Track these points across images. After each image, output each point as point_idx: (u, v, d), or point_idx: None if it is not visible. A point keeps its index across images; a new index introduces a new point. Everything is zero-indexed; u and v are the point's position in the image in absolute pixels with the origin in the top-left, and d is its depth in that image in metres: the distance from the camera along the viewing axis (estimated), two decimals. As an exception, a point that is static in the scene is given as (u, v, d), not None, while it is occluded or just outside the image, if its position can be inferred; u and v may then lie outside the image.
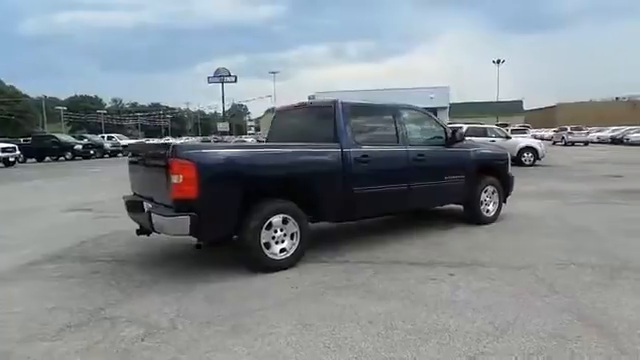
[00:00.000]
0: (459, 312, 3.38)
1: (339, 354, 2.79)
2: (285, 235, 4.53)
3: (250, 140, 74.56)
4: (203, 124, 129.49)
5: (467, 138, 6.40)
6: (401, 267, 4.59)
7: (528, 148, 16.67)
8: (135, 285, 4.22)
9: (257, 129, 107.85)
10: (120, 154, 33.64)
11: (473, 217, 6.39)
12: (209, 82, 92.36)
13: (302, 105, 5.77)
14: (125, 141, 37.25)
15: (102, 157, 31.55)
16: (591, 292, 3.73)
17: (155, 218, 4.14)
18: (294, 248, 4.57)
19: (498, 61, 64.69)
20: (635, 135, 30.73)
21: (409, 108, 5.99)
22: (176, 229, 4.04)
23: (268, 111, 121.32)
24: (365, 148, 5.10)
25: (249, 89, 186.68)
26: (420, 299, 3.66)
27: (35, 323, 3.40)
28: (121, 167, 22.03)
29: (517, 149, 16.43)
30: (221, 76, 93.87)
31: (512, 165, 7.18)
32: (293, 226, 4.56)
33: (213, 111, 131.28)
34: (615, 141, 34.67)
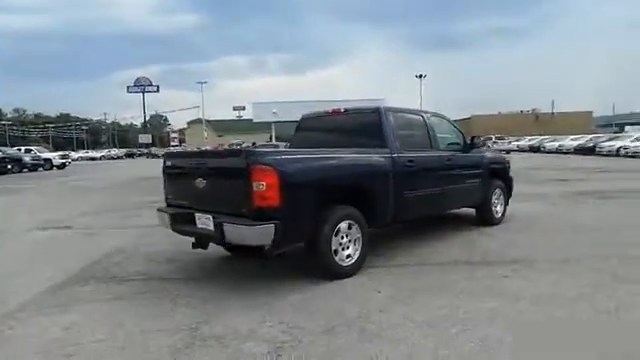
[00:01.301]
0: (560, 304, 3.58)
1: (498, 350, 2.83)
2: (350, 241, 4.48)
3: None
4: (120, 136, 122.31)
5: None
6: (461, 267, 4.74)
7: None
8: (202, 302, 3.94)
9: (181, 141, 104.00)
10: (41, 168, 30.71)
11: (485, 219, 6.74)
12: (128, 91, 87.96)
13: (337, 111, 5.74)
14: (48, 154, 34.06)
15: (21, 172, 28.53)
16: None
17: (231, 228, 3.89)
18: (357, 254, 4.54)
19: (420, 76, 68.94)
20: (550, 144, 34.23)
21: (435, 114, 6.21)
22: (259, 239, 3.84)
23: (193, 122, 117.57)
24: (409, 153, 5.22)
25: (166, 99, 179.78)
26: (512, 295, 3.81)
27: (138, 349, 3.05)
28: (54, 182, 20.37)
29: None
30: (142, 85, 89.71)
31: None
32: (356, 232, 4.53)
33: (129, 122, 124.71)
34: (533, 149, 38.29)
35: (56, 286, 4.53)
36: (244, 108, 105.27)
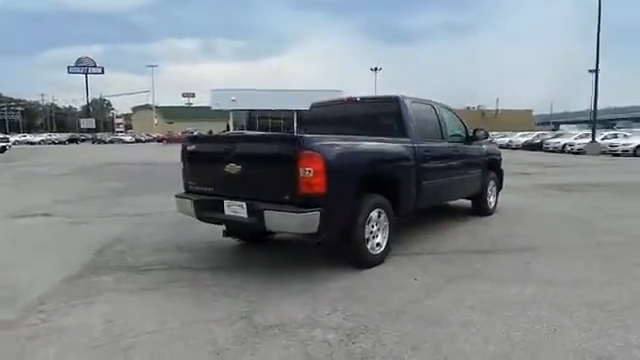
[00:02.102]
0: (596, 287, 3.83)
1: (567, 331, 2.98)
2: (378, 230, 4.53)
3: (129, 139, 68.95)
4: (58, 119, 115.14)
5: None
6: (478, 255, 4.93)
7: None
8: (240, 290, 3.84)
9: (128, 127, 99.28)
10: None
11: (481, 209, 7.02)
12: (70, 72, 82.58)
13: (352, 100, 5.73)
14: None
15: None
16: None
17: (273, 215, 3.81)
18: (384, 242, 4.59)
19: (375, 69, 69.89)
20: (500, 139, 36.02)
21: (442, 105, 6.34)
22: (304, 226, 3.79)
23: (139, 108, 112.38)
24: (425, 143, 5.32)
25: (107, 83, 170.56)
26: (545, 280, 4.01)
27: (203, 339, 2.94)
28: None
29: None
30: (84, 66, 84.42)
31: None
32: (384, 220, 4.58)
33: (68, 105, 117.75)
34: (484, 144, 40.03)
35: (70, 277, 4.24)
36: (194, 95, 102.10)
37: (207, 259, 4.84)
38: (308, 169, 3.73)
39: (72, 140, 63.75)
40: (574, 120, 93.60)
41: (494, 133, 43.38)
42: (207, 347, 2.84)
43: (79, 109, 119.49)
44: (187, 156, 4.72)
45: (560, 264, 4.49)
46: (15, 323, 3.21)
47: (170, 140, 57.45)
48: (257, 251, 5.14)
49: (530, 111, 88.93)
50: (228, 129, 49.47)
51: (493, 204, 7.28)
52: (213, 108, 43.92)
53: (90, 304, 3.57)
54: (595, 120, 28.36)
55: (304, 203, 3.77)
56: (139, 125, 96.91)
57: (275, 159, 3.94)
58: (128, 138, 69.82)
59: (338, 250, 4.49)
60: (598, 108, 28.64)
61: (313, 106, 6.20)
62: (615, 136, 27.96)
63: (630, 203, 8.61)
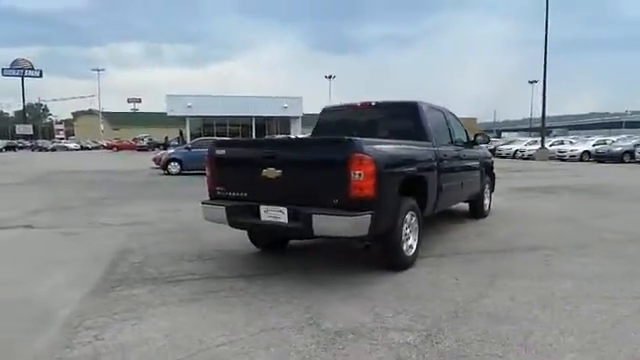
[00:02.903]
0: (625, 280, 4.06)
1: (629, 322, 3.14)
2: (410, 232, 4.58)
3: (73, 145, 65.12)
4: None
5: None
6: (500, 255, 5.10)
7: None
8: (290, 297, 3.74)
9: (69, 133, 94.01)
10: None
11: (478, 211, 7.27)
12: (4, 74, 77.07)
13: (366, 104, 5.76)
14: None
15: None
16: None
17: (323, 220, 3.76)
18: (415, 244, 4.65)
19: (330, 76, 70.71)
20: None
21: (449, 111, 6.52)
22: (355, 230, 3.76)
23: (81, 113, 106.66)
24: (442, 147, 5.46)
25: (44, 86, 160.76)
26: (575, 276, 4.22)
27: (281, 349, 2.84)
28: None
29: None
30: (20, 68, 79.22)
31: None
32: (415, 223, 4.64)
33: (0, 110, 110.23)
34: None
35: (94, 292, 3.96)
36: (140, 100, 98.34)
37: (233, 267, 4.68)
38: (359, 172, 3.72)
39: (9, 147, 59.42)
40: (515, 128, 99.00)
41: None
42: (293, 355, 2.75)
43: (11, 114, 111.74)
44: (215, 161, 4.55)
45: (579, 261, 4.74)
46: (69, 343, 2.94)
47: (121, 147, 55.08)
48: (280, 258, 5.05)
49: (474, 119, 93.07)
50: (182, 136, 48.08)
51: (488, 206, 7.57)
52: (169, 114, 42.53)
53: (139, 319, 3.34)
54: (544, 128, 30.11)
55: (354, 206, 3.74)
56: (82, 131, 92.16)
57: (324, 163, 3.90)
58: (72, 145, 66.15)
59: (358, 254, 4.50)
60: (535, 116, 30.57)
61: (325, 110, 6.17)
62: (562, 143, 29.91)
63: (605, 203, 9.24)
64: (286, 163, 4.04)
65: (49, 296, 3.87)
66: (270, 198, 4.16)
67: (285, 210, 4.04)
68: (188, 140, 41.63)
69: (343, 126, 5.90)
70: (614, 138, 27.88)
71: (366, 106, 5.76)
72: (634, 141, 24.35)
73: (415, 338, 2.94)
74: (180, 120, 44.31)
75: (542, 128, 29.79)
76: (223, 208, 4.34)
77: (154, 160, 20.38)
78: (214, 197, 4.60)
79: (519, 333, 2.99)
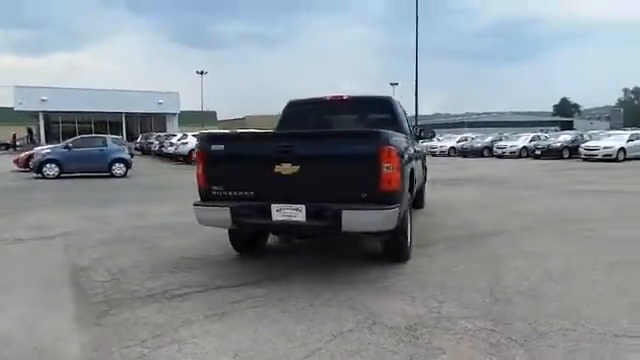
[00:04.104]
0: (587, 254, 4.71)
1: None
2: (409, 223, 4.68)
3: None
4: None
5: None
6: (473, 241, 5.50)
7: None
8: (322, 301, 3.52)
9: None
10: None
11: (419, 203, 7.71)
12: None
13: (339, 98, 5.66)
14: None
15: None
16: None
17: (354, 215, 3.62)
18: (409, 237, 4.77)
19: (201, 72, 68.03)
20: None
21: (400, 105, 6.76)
22: (386, 224, 3.69)
23: None
24: (411, 140, 5.68)
25: None
26: (550, 253, 4.77)
27: (371, 352, 2.67)
28: None
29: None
30: None
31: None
32: (409, 216, 4.76)
33: None
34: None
35: (85, 318, 3.26)
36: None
37: (228, 275, 4.23)
38: (388, 165, 3.67)
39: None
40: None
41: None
42: (391, 355, 2.61)
43: None
44: (209, 158, 4.05)
45: (538, 241, 5.37)
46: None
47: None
48: (264, 261, 4.71)
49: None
50: (31, 134, 41.77)
51: (425, 197, 8.09)
52: (17, 109, 36.39)
53: (180, 342, 2.83)
54: (416, 126, 32.98)
55: (384, 200, 3.68)
56: None
57: (350, 157, 3.75)
58: None
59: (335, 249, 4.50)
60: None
61: (292, 104, 5.91)
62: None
63: (507, 191, 10.56)
64: (305, 158, 3.79)
65: (29, 333, 3.05)
66: (283, 196, 3.86)
67: (303, 208, 3.79)
68: (42, 139, 36.32)
69: (313, 120, 5.75)
70: (473, 135, 31.89)
71: (338, 100, 5.69)
72: (490, 138, 28.21)
73: (485, 323, 3.02)
74: (31, 116, 38.37)
75: (415, 126, 32.64)
76: (228, 209, 3.89)
77: (16, 162, 17.42)
78: (208, 198, 4.10)
79: (566, 306, 3.27)
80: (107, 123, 39.17)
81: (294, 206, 3.81)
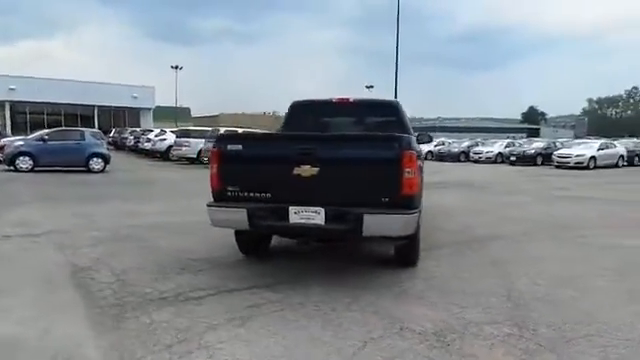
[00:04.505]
0: (583, 257, 4.85)
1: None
2: (417, 227, 4.70)
3: None
4: None
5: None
6: (475, 245, 5.58)
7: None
8: (343, 306, 3.48)
9: None
10: None
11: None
12: None
13: (344, 101, 5.63)
14: None
15: None
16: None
17: (376, 219, 3.60)
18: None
19: (176, 67, 66.81)
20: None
21: None
22: (407, 228, 3.69)
23: None
24: (416, 145, 5.72)
25: None
26: (552, 257, 4.87)
27: (410, 354, 2.66)
28: None
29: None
30: None
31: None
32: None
33: None
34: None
35: (102, 322, 3.13)
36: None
37: (239, 278, 4.14)
38: (409, 170, 3.67)
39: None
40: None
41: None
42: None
43: None
44: (225, 157, 3.95)
45: (537, 247, 5.50)
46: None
47: None
48: (279, 264, 4.70)
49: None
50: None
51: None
52: (-20, 99, 34.73)
53: (208, 348, 2.75)
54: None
55: (405, 204, 3.68)
56: None
57: (372, 160, 3.72)
58: None
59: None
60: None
61: (295, 105, 5.83)
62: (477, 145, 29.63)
63: (493, 196, 10.79)
64: (326, 160, 3.74)
65: (45, 337, 2.89)
66: (301, 198, 3.80)
67: (322, 211, 3.74)
68: (8, 130, 34.73)
69: (318, 122, 5.72)
70: (450, 140, 32.40)
71: (344, 102, 5.66)
72: (467, 143, 28.73)
73: (511, 329, 3.06)
74: (-4, 106, 36.69)
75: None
76: (244, 211, 3.81)
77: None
78: (222, 198, 4.00)
79: (582, 311, 3.36)
80: (78, 116, 37.85)
81: (313, 209, 3.76)
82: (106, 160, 15.02)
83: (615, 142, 23.98)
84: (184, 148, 19.36)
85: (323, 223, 3.76)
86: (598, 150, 20.85)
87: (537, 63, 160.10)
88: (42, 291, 3.72)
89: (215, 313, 3.29)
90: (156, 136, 22.88)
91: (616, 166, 21.01)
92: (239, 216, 3.85)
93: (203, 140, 18.89)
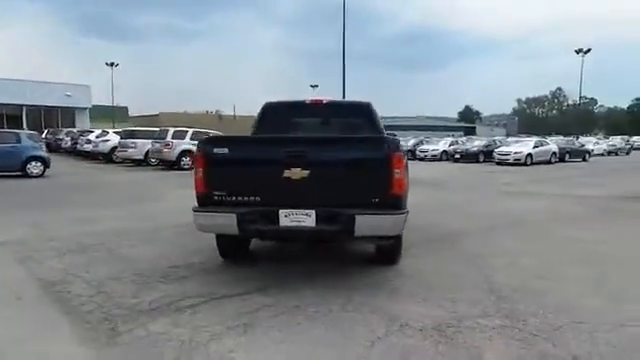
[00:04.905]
0: (549, 245, 5.21)
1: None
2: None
3: None
4: None
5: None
6: (449, 241, 5.81)
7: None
8: (338, 307, 3.54)
9: None
10: None
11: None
12: None
13: (318, 102, 5.65)
14: None
15: None
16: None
17: (368, 220, 3.67)
18: (401, 240, 4.91)
19: (112, 64, 63.66)
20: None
21: None
22: (397, 228, 3.80)
23: None
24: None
25: None
26: (522, 252, 5.20)
27: (420, 352, 2.74)
28: None
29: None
30: None
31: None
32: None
33: None
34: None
35: (96, 339, 2.96)
36: None
37: (225, 283, 4.05)
38: (398, 170, 3.77)
39: None
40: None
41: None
42: (439, 358, 2.70)
43: None
44: (211, 161, 3.85)
45: (504, 241, 5.82)
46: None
47: None
48: (261, 267, 4.65)
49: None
50: None
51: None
52: None
53: (222, 358, 2.68)
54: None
55: (394, 205, 3.78)
56: None
57: (363, 162, 3.78)
58: None
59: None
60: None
61: (268, 106, 5.76)
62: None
63: (453, 194, 11.23)
64: (317, 163, 3.75)
65: (37, 358, 2.69)
66: (291, 201, 3.79)
67: (312, 213, 3.76)
68: None
69: (292, 123, 5.70)
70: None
71: (316, 103, 5.68)
72: (413, 141, 29.67)
73: (503, 320, 3.24)
74: None
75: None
76: (234, 215, 3.73)
77: None
78: (208, 203, 3.89)
79: (561, 300, 3.61)
80: (4, 116, 34.92)
81: (304, 211, 3.76)
82: (46, 164, 14.02)
83: (548, 140, 25.83)
84: (130, 149, 18.52)
85: (314, 225, 3.78)
86: (534, 148, 22.35)
87: (474, 64, 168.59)
88: (15, 309, 3.45)
89: (213, 321, 3.21)
90: (97, 137, 21.64)
91: (549, 162, 22.59)
92: (228, 221, 3.77)
93: (150, 141, 18.20)
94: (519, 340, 2.94)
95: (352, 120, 5.66)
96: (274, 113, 5.79)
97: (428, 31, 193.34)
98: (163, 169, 17.38)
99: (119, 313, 3.35)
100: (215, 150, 3.87)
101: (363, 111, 5.63)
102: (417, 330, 3.08)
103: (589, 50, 45.35)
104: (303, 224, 3.78)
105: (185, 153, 17.05)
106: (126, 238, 5.77)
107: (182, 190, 11.02)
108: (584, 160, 26.04)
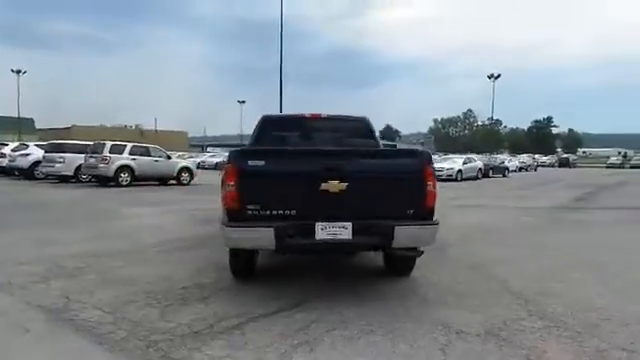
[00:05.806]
0: (550, 251, 5.63)
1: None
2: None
3: None
4: None
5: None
6: (445, 250, 5.98)
7: (186, 168, 18.11)
8: (369, 320, 3.58)
9: None
10: None
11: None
12: None
13: (318, 116, 5.64)
14: None
15: None
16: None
17: (408, 231, 3.73)
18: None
19: (18, 71, 58.32)
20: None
21: None
22: (432, 239, 3.90)
23: None
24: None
25: None
26: (529, 255, 5.56)
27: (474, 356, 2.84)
28: None
29: (177, 169, 17.63)
30: None
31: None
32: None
33: None
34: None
35: (154, 356, 2.69)
36: None
37: (258, 301, 3.87)
38: (430, 183, 3.90)
39: None
40: (225, 143, 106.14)
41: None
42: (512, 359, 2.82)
43: None
44: (246, 175, 3.69)
45: (487, 249, 6.20)
46: None
47: None
48: (276, 285, 4.50)
49: (186, 133, 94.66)
50: None
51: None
52: None
53: None
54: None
55: (428, 216, 3.90)
56: None
57: (399, 174, 3.84)
58: None
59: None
60: (247, 133, 34.21)
61: (267, 120, 5.66)
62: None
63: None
64: (354, 175, 3.76)
65: None
66: (328, 214, 3.75)
67: (349, 225, 3.75)
68: None
69: (291, 137, 5.65)
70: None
71: (316, 117, 5.69)
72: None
73: (544, 322, 3.45)
74: None
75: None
76: (272, 230, 3.60)
77: None
78: (241, 218, 3.72)
79: (582, 300, 3.92)
80: None
81: (340, 224, 3.74)
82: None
83: (474, 157, 27.86)
84: (57, 164, 16.93)
85: (350, 237, 3.76)
86: (463, 164, 23.94)
87: (396, 85, 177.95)
88: (32, 342, 3.02)
89: (271, 341, 3.06)
90: (14, 150, 19.55)
91: (476, 178, 24.33)
92: (266, 235, 3.63)
93: (82, 155, 16.84)
94: (569, 338, 3.15)
95: (353, 133, 5.73)
96: (273, 127, 5.71)
97: (352, 51, 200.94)
98: (97, 186, 16.13)
99: (159, 338, 3.07)
100: (250, 163, 3.73)
101: (361, 125, 5.75)
102: (474, 335, 3.18)
103: (499, 75, 50.07)
104: (340, 237, 3.75)
105: (124, 168, 16.03)
106: (110, 260, 5.29)
107: (138, 208, 10.37)
108: (504, 176, 28.40)
